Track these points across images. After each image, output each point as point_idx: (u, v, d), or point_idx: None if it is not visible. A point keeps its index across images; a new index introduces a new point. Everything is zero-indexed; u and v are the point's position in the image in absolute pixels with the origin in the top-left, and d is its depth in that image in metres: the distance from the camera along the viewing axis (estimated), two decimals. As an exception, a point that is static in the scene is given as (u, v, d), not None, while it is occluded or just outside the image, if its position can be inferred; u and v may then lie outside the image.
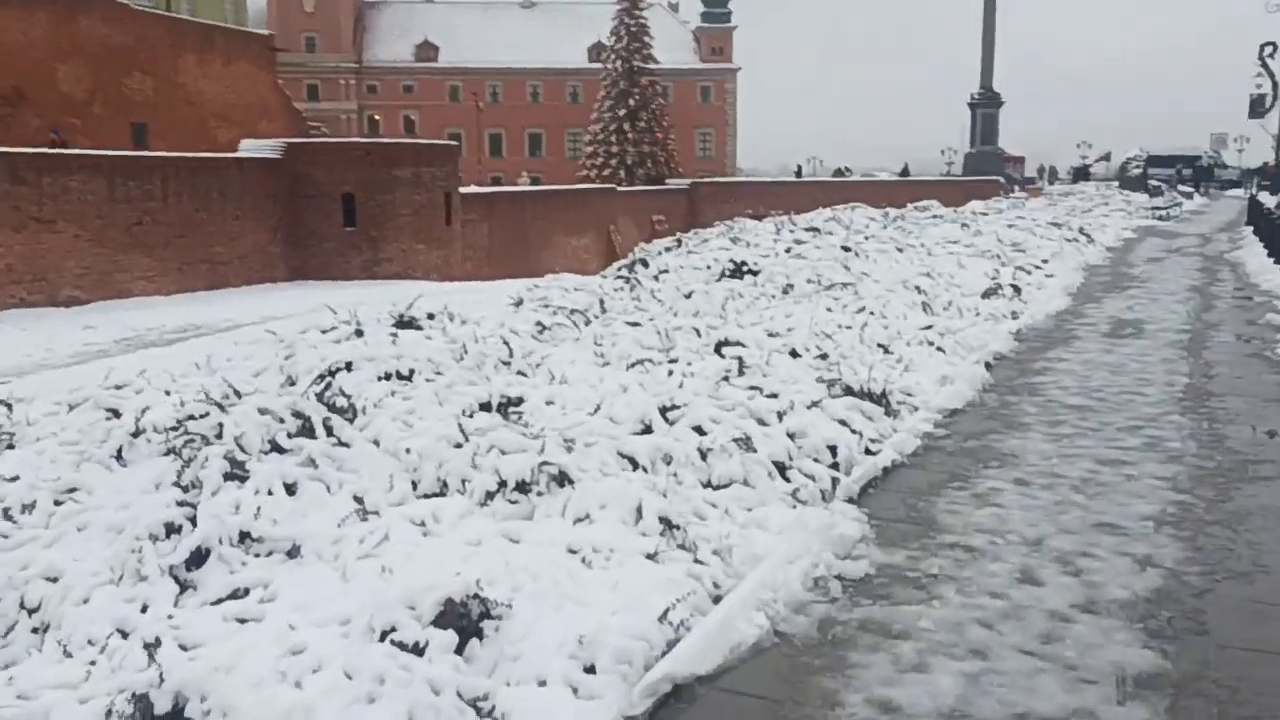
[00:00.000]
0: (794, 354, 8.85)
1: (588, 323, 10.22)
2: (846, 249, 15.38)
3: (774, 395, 7.30)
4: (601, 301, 12.23)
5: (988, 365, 9.61)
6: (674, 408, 6.91)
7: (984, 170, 59.43)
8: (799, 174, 77.57)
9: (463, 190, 46.73)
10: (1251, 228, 25.15)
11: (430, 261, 34.69)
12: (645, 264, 16.26)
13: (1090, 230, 22.50)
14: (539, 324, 9.94)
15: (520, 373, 8.15)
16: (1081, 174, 68.41)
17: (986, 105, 61.46)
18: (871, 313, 11.03)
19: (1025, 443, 7.09)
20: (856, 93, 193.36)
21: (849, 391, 7.59)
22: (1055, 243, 18.72)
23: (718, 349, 9.02)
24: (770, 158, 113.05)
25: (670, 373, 8.08)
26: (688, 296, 12.20)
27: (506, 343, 8.68)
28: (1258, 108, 48.40)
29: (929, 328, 10.56)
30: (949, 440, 7.15)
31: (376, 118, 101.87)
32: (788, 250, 15.18)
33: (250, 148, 32.85)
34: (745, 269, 14.38)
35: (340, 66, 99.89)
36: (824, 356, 8.75)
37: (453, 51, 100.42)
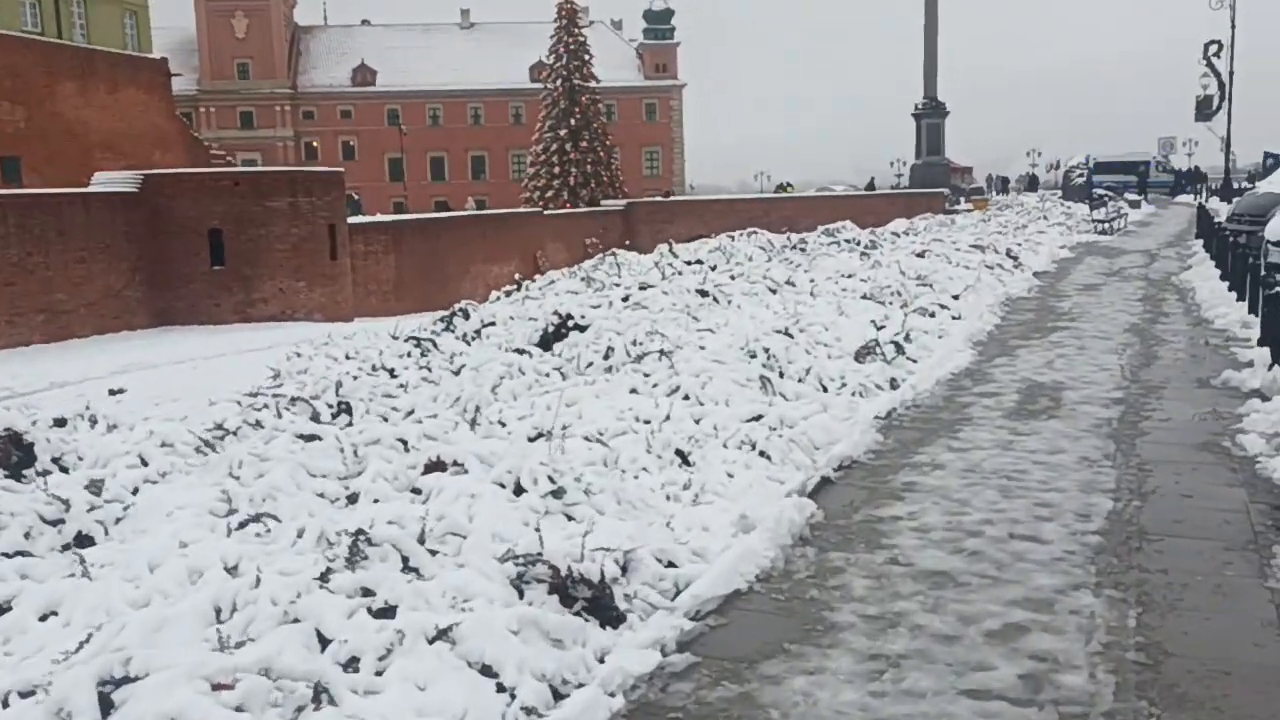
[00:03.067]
0: (519, 490, 5.82)
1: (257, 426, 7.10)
2: (704, 293, 12.43)
3: (399, 611, 4.24)
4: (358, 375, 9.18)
5: (822, 483, 6.62)
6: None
7: (930, 182, 57.12)
8: (779, 189, 75.33)
9: (363, 219, 43.60)
10: (1201, 241, 22.50)
11: (314, 301, 31.51)
12: (466, 315, 13.24)
13: (1020, 251, 19.63)
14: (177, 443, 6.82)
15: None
16: (1032, 183, 66.27)
17: (931, 115, 59.21)
18: (685, 396, 8.05)
19: (818, 686, 4.07)
20: (808, 106, 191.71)
21: (557, 589, 4.59)
22: (973, 270, 15.82)
23: (415, 489, 5.99)
24: (723, 174, 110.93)
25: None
26: (456, 373, 9.19)
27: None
28: (1204, 109, 46.27)
29: (758, 418, 7.57)
30: (680, 689, 4.10)
31: (315, 144, 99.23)
32: (625, 299, 12.20)
33: (103, 181, 29.64)
34: (571, 325, 11.39)
35: (274, 93, 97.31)
36: (558, 494, 5.73)
37: (391, 75, 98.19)
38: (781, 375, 9.16)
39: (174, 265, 29.49)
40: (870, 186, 66.40)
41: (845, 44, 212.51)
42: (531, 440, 7.49)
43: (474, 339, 12.85)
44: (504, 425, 7.63)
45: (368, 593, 4.31)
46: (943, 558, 5.39)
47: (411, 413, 8.64)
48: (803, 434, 7.43)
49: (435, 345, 11.27)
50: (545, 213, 55.29)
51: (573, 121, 77.60)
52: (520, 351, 10.10)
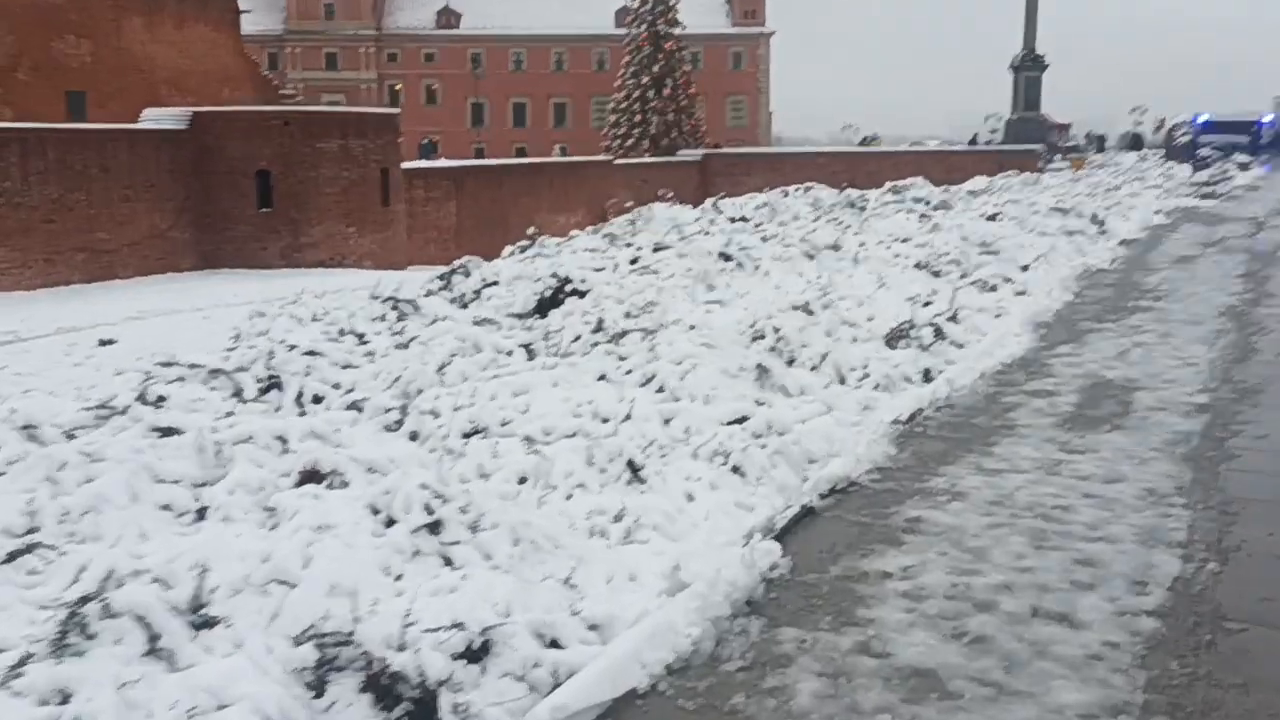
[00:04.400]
0: (390, 522, 4.51)
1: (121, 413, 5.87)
2: (726, 256, 10.93)
3: None
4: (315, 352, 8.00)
5: (803, 515, 5.18)
6: None
7: (1026, 138, 54.26)
8: (864, 142, 72.72)
9: (423, 164, 42.65)
10: (1320, 210, 20.15)
11: (364, 247, 30.57)
12: (467, 273, 11.94)
13: (1107, 216, 17.57)
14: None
15: None
16: (1135, 142, 62.49)
17: (1029, 69, 56.16)
18: (660, 389, 6.64)
19: None
20: (901, 57, 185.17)
21: (373, 685, 3.29)
22: (1049, 238, 13.98)
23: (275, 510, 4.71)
24: (811, 126, 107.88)
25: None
26: (405, 346, 7.90)
27: None
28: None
29: (742, 420, 6.14)
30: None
31: (397, 87, 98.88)
32: (633, 262, 10.76)
33: (152, 117, 28.93)
34: (570, 290, 10.02)
35: (359, 34, 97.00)
36: (434, 528, 4.40)
37: (475, 18, 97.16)
38: (792, 362, 7.68)
39: (221, 206, 28.75)
40: (973, 142, 63.20)
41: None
42: (466, 437, 6.20)
43: (473, 300, 11.56)
44: (437, 417, 6.33)
45: (65, 699, 3.03)
46: (934, 646, 3.93)
47: (351, 390, 7.41)
48: (794, 443, 5.98)
49: (416, 308, 10.02)
50: (616, 162, 53.64)
51: (656, 69, 75.97)
52: (484, 323, 8.76)
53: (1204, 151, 36.20)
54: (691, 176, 58.05)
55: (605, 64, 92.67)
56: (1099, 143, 64.24)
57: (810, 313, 8.45)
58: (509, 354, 7.55)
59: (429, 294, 11.94)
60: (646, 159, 60.78)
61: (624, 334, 7.60)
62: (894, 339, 8.32)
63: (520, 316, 10.45)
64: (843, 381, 7.55)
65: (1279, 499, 5.46)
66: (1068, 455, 6.15)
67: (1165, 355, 8.66)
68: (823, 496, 5.44)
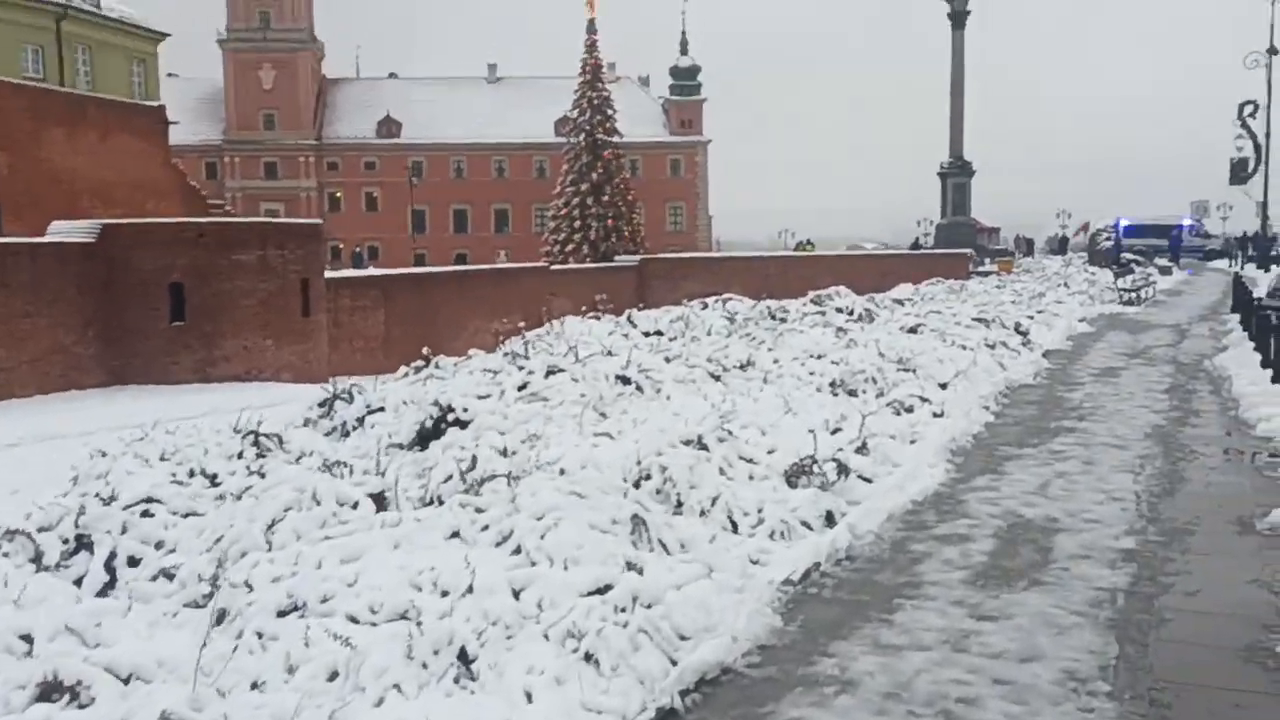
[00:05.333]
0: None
1: None
2: (625, 379, 10.18)
3: None
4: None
5: (662, 717, 4.33)
6: None
7: (956, 242, 54.97)
8: (799, 247, 73.58)
9: (350, 273, 41.96)
10: (1238, 317, 20.00)
11: (282, 359, 29.48)
12: (350, 398, 11.08)
13: (1031, 326, 17.17)
14: None
15: None
16: (1061, 245, 63.72)
17: (957, 174, 57.25)
18: (517, 549, 5.79)
19: None
20: (837, 163, 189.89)
21: None
22: (970, 351, 13.44)
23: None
24: (751, 230, 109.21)
25: None
26: (238, 497, 6.99)
27: None
28: (1239, 172, 43.71)
29: (606, 589, 5.28)
30: None
31: (338, 195, 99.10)
32: (522, 388, 9.96)
33: (59, 230, 27.92)
34: (454, 420, 9.20)
35: (299, 144, 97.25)
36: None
37: (416, 127, 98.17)
38: (680, 506, 6.88)
39: (130, 321, 27.60)
40: (916, 246, 63.96)
41: (876, 101, 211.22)
42: (282, 615, 5.27)
43: (355, 429, 10.69)
44: (250, 590, 5.40)
45: None
46: None
47: (174, 550, 6.46)
48: (664, 618, 5.13)
49: (281, 442, 9.11)
50: (553, 268, 53.39)
51: (595, 176, 76.96)
52: (335, 466, 7.87)
53: (1127, 256, 36.63)
54: (629, 281, 57.88)
55: (545, 171, 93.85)
56: (1027, 246, 65.38)
57: (704, 447, 7.68)
58: (354, 506, 6.66)
59: (306, 422, 11.09)
60: (584, 265, 60.70)
61: (485, 480, 6.76)
62: (795, 475, 7.55)
63: (403, 448, 9.61)
64: (735, 529, 6.75)
65: (1217, 682, 4.69)
66: (978, 624, 5.36)
67: (1089, 488, 7.99)
68: (687, 693, 4.58)
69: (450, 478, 7.60)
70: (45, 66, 49.90)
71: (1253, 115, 42.00)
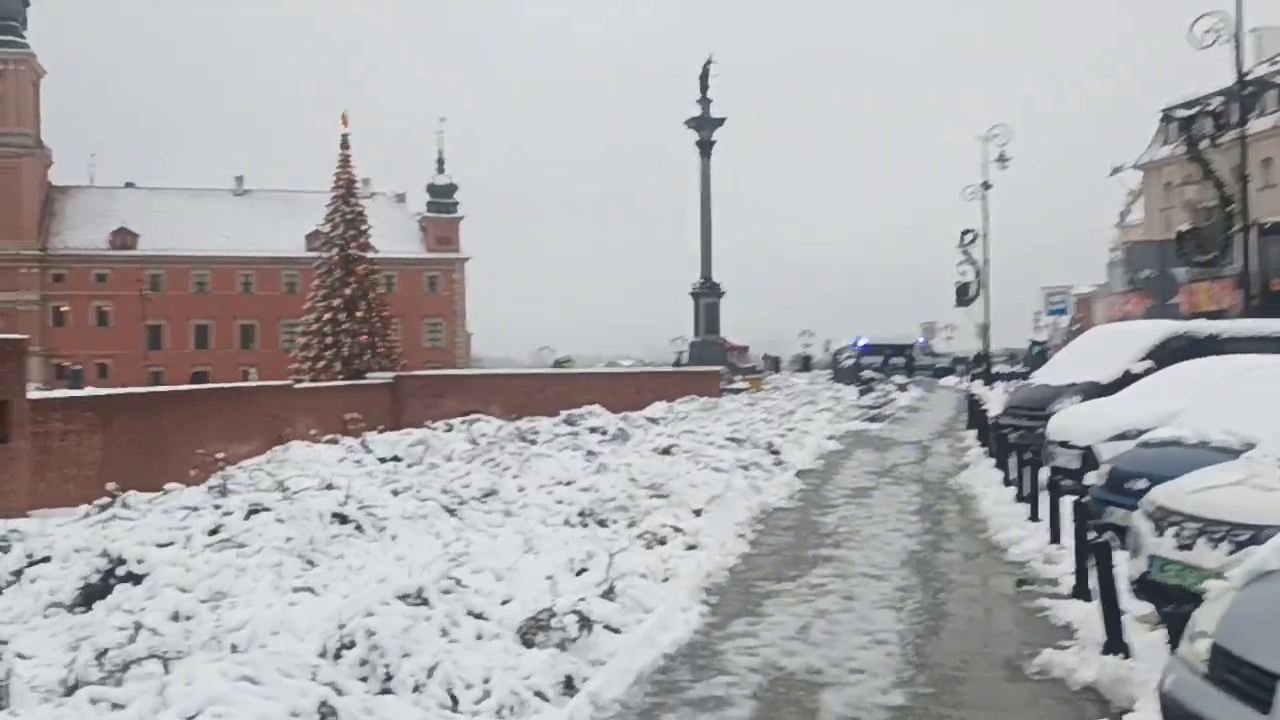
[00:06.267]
0: None
1: None
2: (343, 518, 8.91)
3: None
4: None
5: None
6: None
7: (708, 359, 56.40)
8: (558, 364, 73.39)
9: (60, 393, 38.15)
10: (975, 432, 20.84)
11: (-29, 494, 25.85)
12: (7, 547, 9.23)
13: (783, 445, 17.12)
14: None
15: None
16: (806, 363, 66.72)
17: (708, 295, 59.18)
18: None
19: None
20: (593, 281, 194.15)
21: None
22: (725, 473, 13.02)
23: None
24: (511, 347, 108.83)
25: None
26: None
27: None
28: (963, 295, 47.20)
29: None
30: None
31: (64, 309, 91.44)
32: (213, 532, 8.52)
33: None
34: (125, 573, 7.67)
35: (20, 254, 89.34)
36: None
37: (154, 239, 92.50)
38: (388, 679, 5.73)
39: None
40: (678, 363, 65.11)
41: (632, 223, 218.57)
42: None
43: (10, 584, 8.85)
44: None
45: None
46: None
47: None
48: None
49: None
50: (298, 385, 50.50)
51: (348, 291, 74.44)
52: None
53: (866, 374, 38.28)
54: (383, 399, 55.57)
55: (296, 286, 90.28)
56: (774, 364, 68.05)
57: (425, 602, 6.57)
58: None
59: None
60: (333, 382, 57.92)
61: (130, 664, 5.39)
62: (531, 632, 6.55)
63: (68, 609, 7.95)
64: (455, 705, 5.65)
65: None
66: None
67: (851, 628, 7.38)
68: None
69: (106, 652, 6.13)
70: None
71: (972, 243, 45.54)
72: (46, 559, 9.08)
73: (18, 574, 8.96)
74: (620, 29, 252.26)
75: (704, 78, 55.90)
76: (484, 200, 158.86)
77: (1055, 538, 9.75)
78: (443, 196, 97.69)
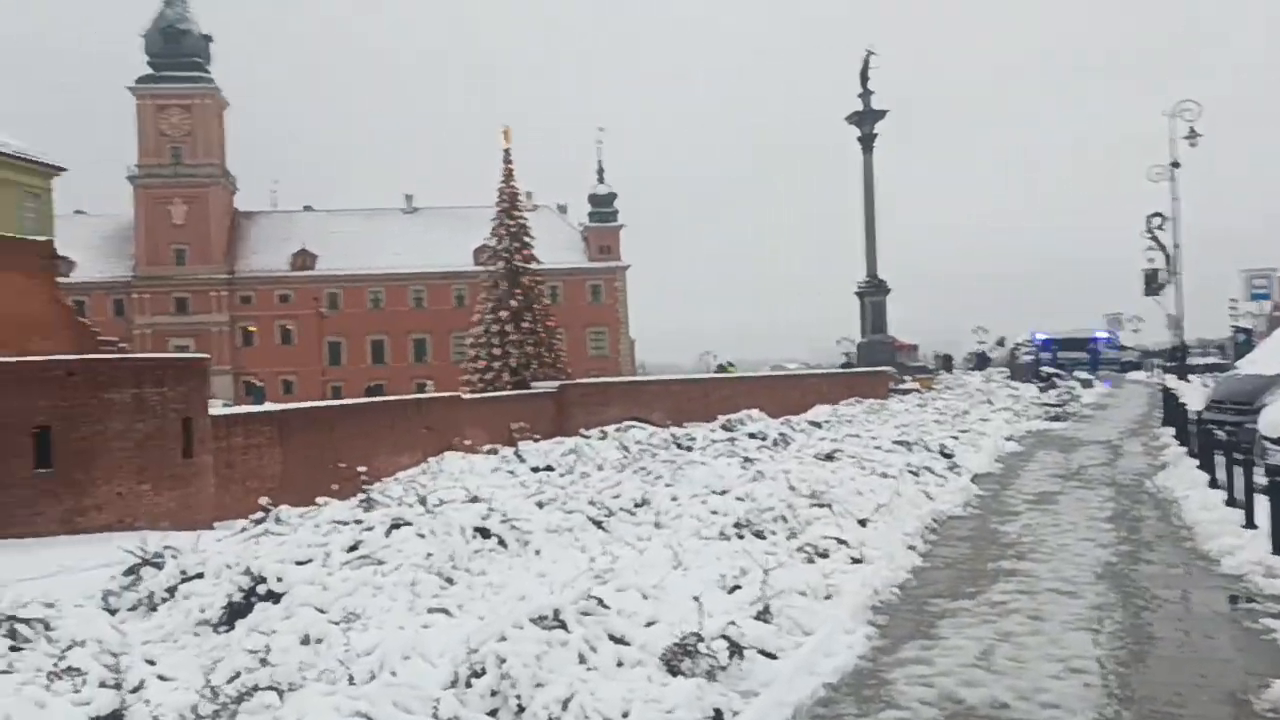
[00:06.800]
0: None
1: None
2: (485, 532, 8.54)
3: None
4: None
5: None
6: None
7: (875, 360, 54.86)
8: (720, 369, 73.23)
9: (242, 409, 39.90)
10: (1172, 430, 19.10)
11: (161, 506, 27.07)
12: (161, 564, 9.28)
13: (957, 447, 15.99)
14: None
15: None
16: (981, 361, 63.91)
17: (873, 293, 57.60)
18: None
19: None
20: (757, 284, 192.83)
21: None
22: (892, 480, 12.12)
23: None
24: (675, 353, 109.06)
25: None
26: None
27: None
28: (1152, 283, 44.04)
29: None
30: None
31: (251, 329, 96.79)
32: (352, 549, 8.30)
33: (-95, 373, 25.61)
34: (266, 591, 7.49)
35: (211, 278, 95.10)
36: None
37: (331, 259, 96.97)
38: (521, 710, 5.25)
39: (-12, 470, 25.15)
40: (846, 365, 63.67)
41: (794, 222, 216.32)
42: None
43: (164, 600, 8.87)
44: None
45: None
46: None
47: None
48: None
49: (47, 628, 7.32)
50: (466, 396, 51.56)
51: (514, 303, 75.96)
52: (69, 673, 6.09)
53: (1047, 370, 36.16)
54: (547, 408, 56.35)
55: (464, 299, 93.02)
56: (946, 362, 65.48)
57: (562, 625, 6.08)
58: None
59: (108, 594, 9.23)
60: (500, 393, 59.01)
61: (243, 696, 5.07)
62: (676, 658, 5.98)
63: (215, 627, 7.86)
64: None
65: None
66: None
67: (1041, 653, 6.50)
68: None
69: (238, 676, 5.88)
70: (-73, 202, 47.98)
71: (1160, 228, 42.46)
72: (200, 575, 9.08)
73: (172, 590, 8.99)
74: (770, 25, 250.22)
75: (864, 71, 54.39)
76: (641, 206, 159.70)
77: (1278, 547, 8.53)
78: (603, 206, 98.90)
